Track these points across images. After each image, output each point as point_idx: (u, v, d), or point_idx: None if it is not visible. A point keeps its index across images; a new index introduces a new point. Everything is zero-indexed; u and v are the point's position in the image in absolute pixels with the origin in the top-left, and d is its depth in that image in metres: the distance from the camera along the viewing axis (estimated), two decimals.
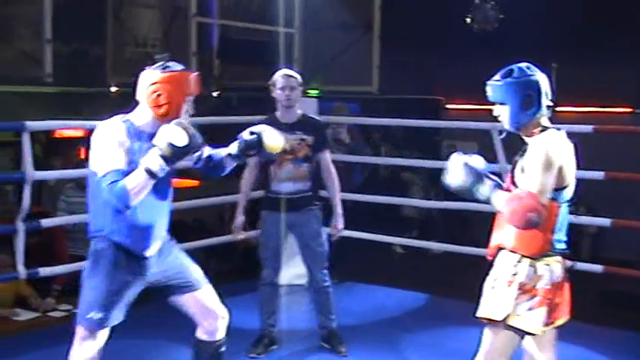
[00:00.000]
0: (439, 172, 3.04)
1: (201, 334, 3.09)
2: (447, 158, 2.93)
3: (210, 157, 3.13)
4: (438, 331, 5.01)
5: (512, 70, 2.81)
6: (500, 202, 2.70)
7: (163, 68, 2.79)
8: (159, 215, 2.87)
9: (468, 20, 8.54)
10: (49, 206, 6.09)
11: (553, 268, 2.75)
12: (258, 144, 3.02)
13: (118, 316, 2.86)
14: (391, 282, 6.11)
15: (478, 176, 2.78)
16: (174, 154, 2.62)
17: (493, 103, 2.99)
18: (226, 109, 7.83)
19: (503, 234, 2.80)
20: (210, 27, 8.18)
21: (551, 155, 2.69)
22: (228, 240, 5.40)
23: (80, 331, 2.83)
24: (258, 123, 4.30)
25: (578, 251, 7.09)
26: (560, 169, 2.72)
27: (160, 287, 2.98)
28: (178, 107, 2.78)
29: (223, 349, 3.10)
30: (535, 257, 2.73)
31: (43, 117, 4.88)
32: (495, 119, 2.97)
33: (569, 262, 2.85)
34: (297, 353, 4.58)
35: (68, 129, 6.52)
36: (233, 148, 3.09)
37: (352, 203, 5.93)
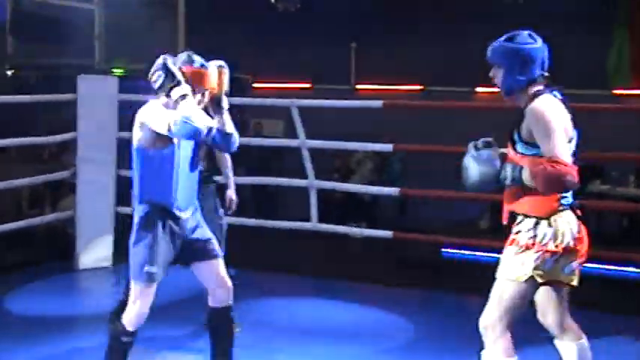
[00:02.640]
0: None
1: (213, 302, 3.39)
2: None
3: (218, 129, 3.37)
4: (256, 305, 5.07)
5: (514, 36, 2.86)
6: (530, 176, 2.75)
7: (195, 63, 3.22)
8: (191, 183, 3.31)
9: (272, 0, 8.68)
10: None
11: (570, 221, 2.84)
12: None
13: (163, 272, 3.20)
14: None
15: (494, 166, 2.87)
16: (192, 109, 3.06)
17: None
18: (24, 89, 7.42)
19: (516, 202, 2.87)
20: (0, 2, 7.68)
21: (551, 116, 2.74)
22: (26, 225, 5.16)
23: (137, 287, 3.18)
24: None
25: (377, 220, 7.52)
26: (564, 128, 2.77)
27: (188, 250, 3.29)
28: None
29: (232, 313, 3.44)
30: (549, 217, 2.81)
31: None
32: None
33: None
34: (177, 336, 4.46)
35: None
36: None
37: None
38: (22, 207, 6.89)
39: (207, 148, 4.27)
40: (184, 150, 3.19)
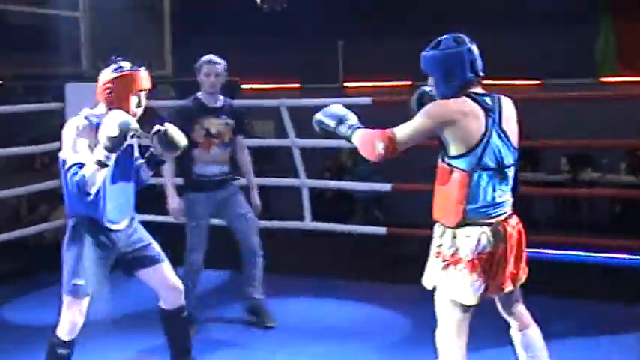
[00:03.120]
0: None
1: (164, 305, 3.48)
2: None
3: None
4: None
5: (439, 42, 2.86)
6: (357, 137, 2.86)
7: (115, 69, 3.19)
8: (125, 195, 3.31)
9: (258, 1, 8.67)
10: None
11: (478, 237, 2.75)
12: (166, 140, 3.28)
13: (96, 284, 3.26)
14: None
15: (337, 118, 2.96)
16: (112, 144, 3.00)
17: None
18: (11, 99, 7.39)
19: (434, 205, 2.90)
20: None
21: (437, 109, 2.76)
22: (19, 236, 5.13)
23: (66, 298, 3.25)
24: (181, 106, 4.50)
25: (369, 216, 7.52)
26: (456, 131, 2.73)
27: (128, 260, 3.36)
28: (128, 102, 3.18)
29: (185, 313, 3.55)
30: (455, 227, 2.78)
31: None
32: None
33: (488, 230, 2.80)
34: (223, 329, 4.60)
35: None
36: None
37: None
38: (12, 217, 6.86)
39: (230, 150, 4.42)
40: (112, 164, 3.09)
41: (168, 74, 9.09)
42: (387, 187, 5.57)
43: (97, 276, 3.25)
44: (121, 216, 3.28)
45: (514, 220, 2.89)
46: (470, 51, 2.82)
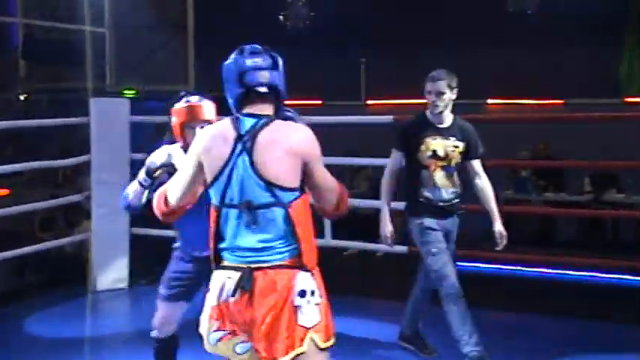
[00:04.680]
0: None
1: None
2: None
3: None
4: None
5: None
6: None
7: (180, 102, 3.24)
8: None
9: (281, 18, 8.74)
10: None
11: (222, 282, 2.38)
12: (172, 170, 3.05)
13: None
14: None
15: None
16: (149, 170, 3.14)
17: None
18: (35, 113, 7.47)
19: None
20: (12, 26, 7.76)
21: (191, 148, 2.45)
22: (41, 249, 5.17)
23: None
24: (409, 123, 4.09)
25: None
26: (206, 158, 2.39)
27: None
28: (187, 134, 3.17)
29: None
30: (215, 268, 2.44)
31: None
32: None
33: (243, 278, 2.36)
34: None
35: None
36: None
37: None
38: (36, 231, 6.91)
39: (459, 173, 4.00)
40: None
41: (190, 89, 9.15)
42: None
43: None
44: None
45: (285, 274, 2.34)
46: (240, 63, 2.40)
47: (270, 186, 2.32)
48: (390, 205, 4.05)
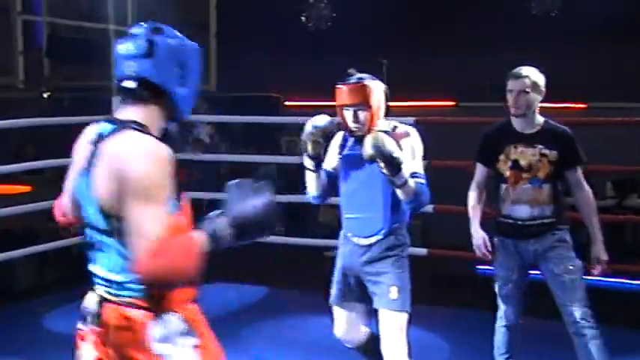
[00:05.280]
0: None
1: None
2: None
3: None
4: (278, 322, 5.10)
5: None
6: None
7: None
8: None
9: (303, 19, 8.74)
10: None
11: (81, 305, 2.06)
12: None
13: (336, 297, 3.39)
14: (234, 278, 6.11)
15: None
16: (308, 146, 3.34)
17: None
18: (58, 111, 7.54)
19: None
20: (37, 25, 7.84)
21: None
22: (61, 245, 5.20)
23: (406, 318, 3.16)
24: (490, 130, 3.66)
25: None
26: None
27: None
28: (342, 116, 3.21)
29: None
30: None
31: None
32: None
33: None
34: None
35: None
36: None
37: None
38: (56, 227, 6.96)
39: (550, 186, 3.47)
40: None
41: (211, 89, 9.19)
42: (429, 208, 5.52)
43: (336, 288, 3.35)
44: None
45: (115, 311, 1.96)
46: (116, 50, 1.99)
47: (99, 208, 1.90)
48: (477, 217, 3.67)
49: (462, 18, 8.25)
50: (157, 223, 1.80)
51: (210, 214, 1.94)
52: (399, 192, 3.05)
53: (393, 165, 2.94)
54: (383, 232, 3.19)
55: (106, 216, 1.89)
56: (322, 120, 3.18)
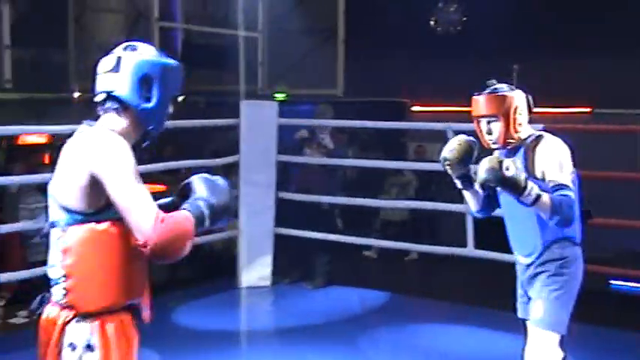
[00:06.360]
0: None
1: None
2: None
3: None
4: (400, 329, 5.06)
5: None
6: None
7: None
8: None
9: (432, 23, 8.64)
10: (10, 213, 5.89)
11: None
12: None
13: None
14: (366, 284, 6.08)
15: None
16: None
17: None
18: (194, 113, 7.81)
19: None
20: (174, 31, 8.18)
21: None
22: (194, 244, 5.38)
23: (551, 337, 2.96)
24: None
25: None
26: None
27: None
28: (478, 129, 3.10)
29: None
30: None
31: (4, 123, 4.83)
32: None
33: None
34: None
35: (31, 135, 6.45)
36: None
37: (329, 206, 6.14)
38: None
39: None
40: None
41: (338, 94, 9.26)
42: None
43: None
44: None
45: (53, 310, 2.02)
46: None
47: (55, 202, 2.00)
48: None
49: (594, 18, 7.92)
50: (148, 198, 1.94)
51: (188, 199, 2.08)
52: (538, 209, 2.90)
53: (512, 187, 2.77)
54: (538, 249, 3.04)
55: (61, 208, 1.98)
56: (452, 146, 3.08)
